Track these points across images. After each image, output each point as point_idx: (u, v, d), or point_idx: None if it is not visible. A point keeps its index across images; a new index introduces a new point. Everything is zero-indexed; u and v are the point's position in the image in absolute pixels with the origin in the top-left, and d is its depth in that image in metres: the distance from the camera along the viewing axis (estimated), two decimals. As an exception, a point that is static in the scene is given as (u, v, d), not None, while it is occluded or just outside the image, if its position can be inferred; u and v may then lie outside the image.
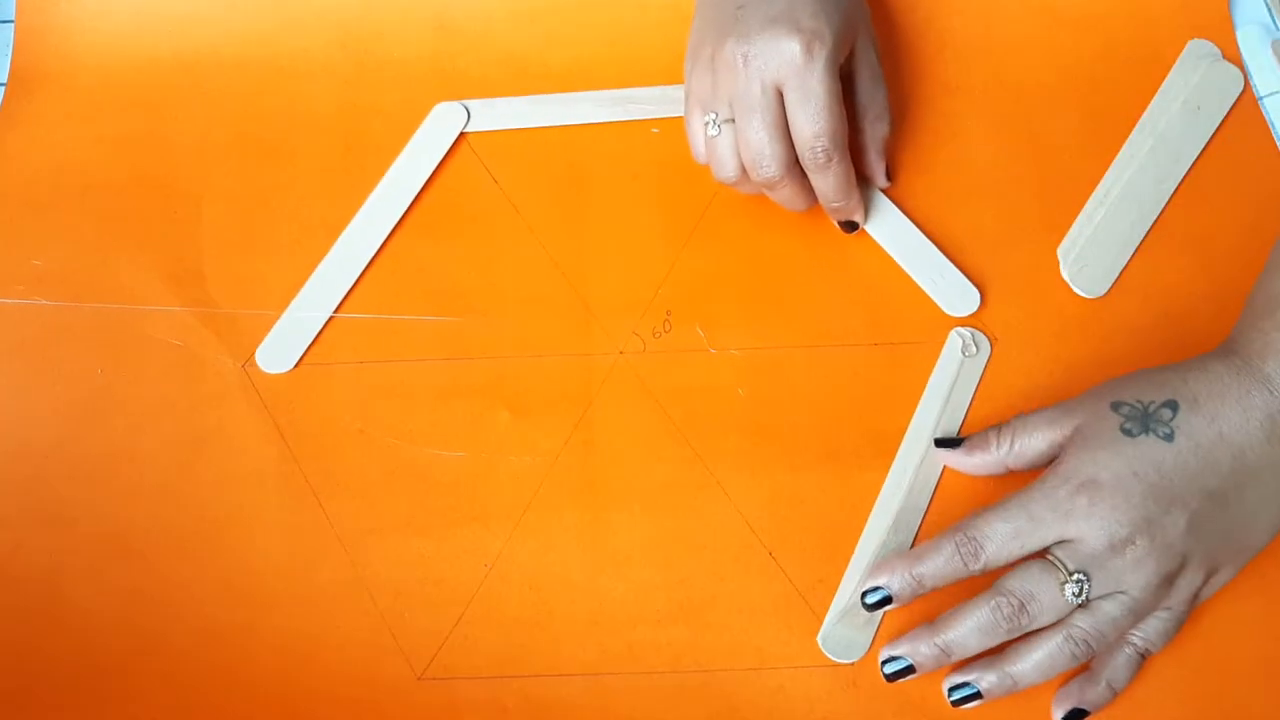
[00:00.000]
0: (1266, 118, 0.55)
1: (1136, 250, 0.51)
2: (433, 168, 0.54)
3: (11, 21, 0.57)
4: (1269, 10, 0.58)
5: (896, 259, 0.51)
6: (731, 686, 0.44)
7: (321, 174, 0.54)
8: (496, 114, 0.55)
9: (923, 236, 0.51)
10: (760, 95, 0.46)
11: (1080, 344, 0.49)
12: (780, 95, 0.46)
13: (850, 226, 0.51)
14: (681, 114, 0.53)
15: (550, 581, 0.46)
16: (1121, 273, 0.51)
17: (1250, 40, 0.57)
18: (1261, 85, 0.56)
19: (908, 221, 0.52)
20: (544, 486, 0.47)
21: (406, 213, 0.53)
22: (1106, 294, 0.50)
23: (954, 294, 0.50)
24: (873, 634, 0.44)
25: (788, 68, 0.45)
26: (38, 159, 0.55)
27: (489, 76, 0.57)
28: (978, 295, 0.50)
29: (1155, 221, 0.52)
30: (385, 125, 0.55)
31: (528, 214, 0.53)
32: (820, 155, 0.46)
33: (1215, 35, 0.56)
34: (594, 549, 0.46)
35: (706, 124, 0.48)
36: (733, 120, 0.47)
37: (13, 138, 0.55)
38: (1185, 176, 0.53)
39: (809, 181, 0.48)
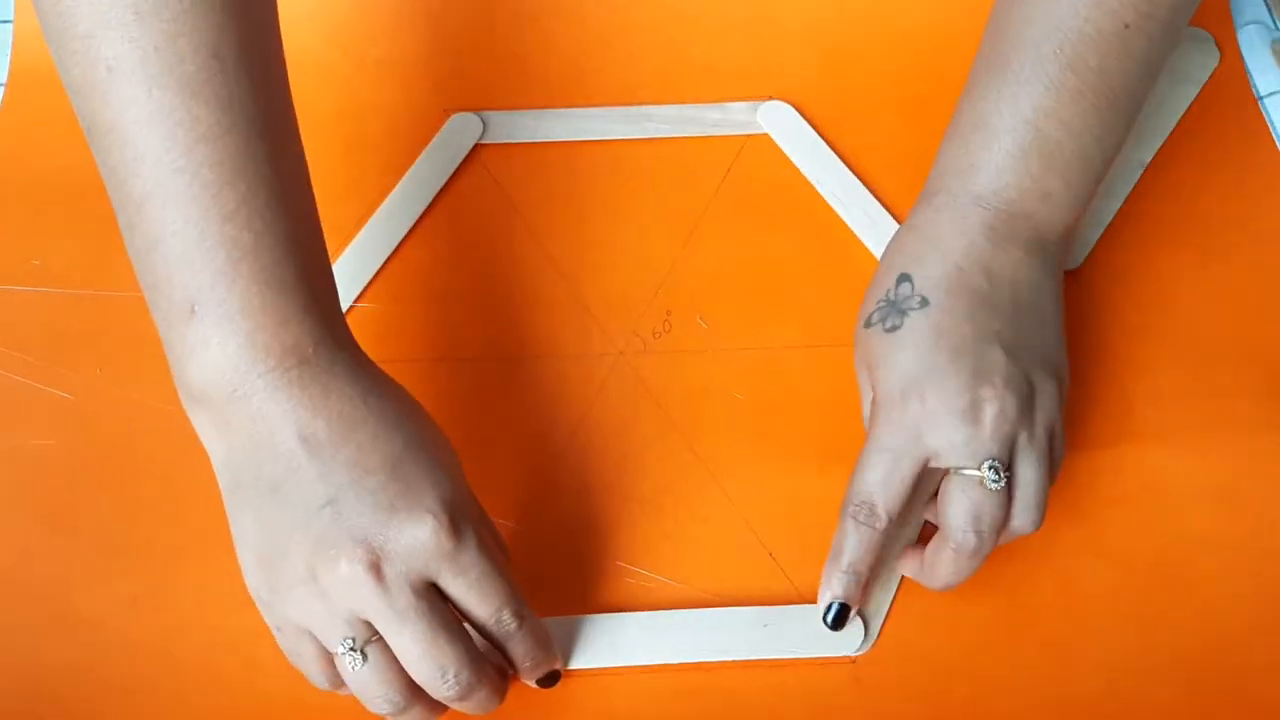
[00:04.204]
0: (1266, 118, 0.55)
1: (1143, 246, 0.51)
2: (444, 180, 0.54)
3: (10, 21, 0.57)
4: (1269, 10, 0.58)
5: None
6: (732, 682, 0.44)
7: (320, 174, 0.53)
8: (512, 128, 0.55)
9: None
10: (417, 599, 0.36)
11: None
12: (434, 589, 0.37)
13: (552, 679, 0.42)
14: (700, 133, 0.53)
15: (550, 582, 0.45)
16: (1097, 248, 0.51)
17: (1251, 40, 0.57)
18: (1262, 85, 0.56)
19: None
20: (542, 488, 0.47)
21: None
22: (1080, 268, 0.51)
23: None
24: (879, 624, 0.44)
25: (435, 555, 0.36)
26: (37, 159, 0.55)
27: (488, 77, 0.56)
28: None
29: (1156, 227, 0.52)
30: (384, 125, 0.55)
31: (527, 215, 0.53)
32: (509, 621, 0.38)
33: (1215, 35, 0.56)
34: (593, 550, 0.46)
35: (339, 656, 0.37)
36: (376, 639, 0.37)
37: (12, 138, 0.55)
38: (1189, 176, 0.53)
39: (498, 673, 0.40)
